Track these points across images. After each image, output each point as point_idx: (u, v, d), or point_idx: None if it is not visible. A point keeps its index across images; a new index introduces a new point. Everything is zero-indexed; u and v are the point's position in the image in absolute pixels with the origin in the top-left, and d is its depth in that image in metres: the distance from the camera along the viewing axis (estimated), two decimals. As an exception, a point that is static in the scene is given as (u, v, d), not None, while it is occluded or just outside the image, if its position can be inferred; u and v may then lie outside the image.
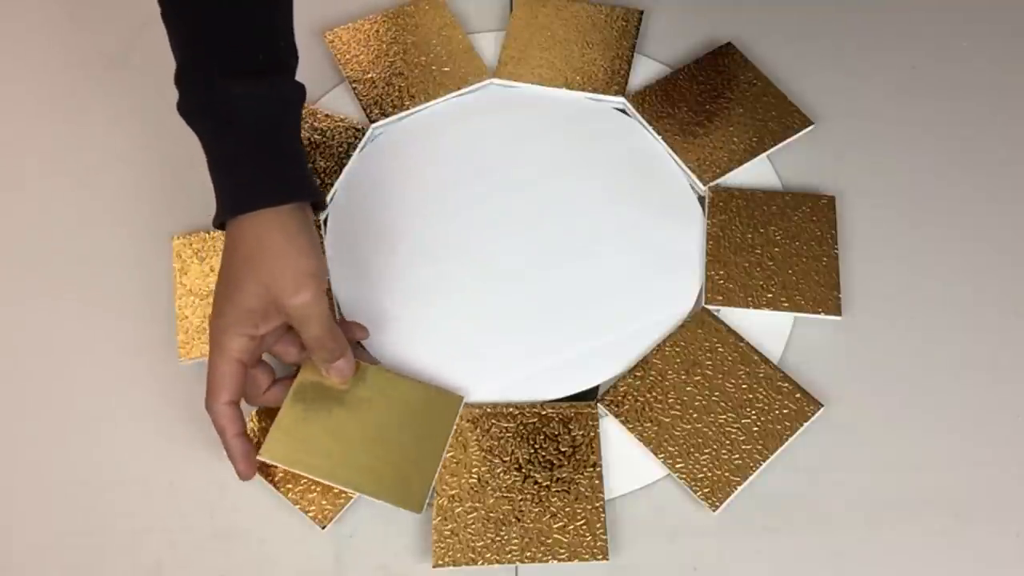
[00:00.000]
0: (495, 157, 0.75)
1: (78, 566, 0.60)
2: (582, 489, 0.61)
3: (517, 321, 0.68)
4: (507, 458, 0.62)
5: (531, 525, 0.60)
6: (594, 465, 0.62)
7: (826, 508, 0.61)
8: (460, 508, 0.60)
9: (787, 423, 0.62)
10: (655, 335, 0.67)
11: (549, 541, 0.59)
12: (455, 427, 0.63)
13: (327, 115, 0.76)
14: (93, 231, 0.73)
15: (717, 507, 0.60)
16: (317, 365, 0.61)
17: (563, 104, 0.78)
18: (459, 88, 0.78)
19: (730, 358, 0.65)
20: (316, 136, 0.75)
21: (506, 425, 0.63)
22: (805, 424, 0.63)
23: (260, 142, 0.60)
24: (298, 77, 0.62)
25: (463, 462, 0.62)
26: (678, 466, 0.61)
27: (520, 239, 0.71)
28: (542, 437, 0.63)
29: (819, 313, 0.67)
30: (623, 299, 0.68)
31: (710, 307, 0.67)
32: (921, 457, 0.62)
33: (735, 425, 0.62)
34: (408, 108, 0.77)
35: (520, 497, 0.61)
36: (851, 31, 0.81)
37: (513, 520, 0.60)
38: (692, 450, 0.62)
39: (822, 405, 0.63)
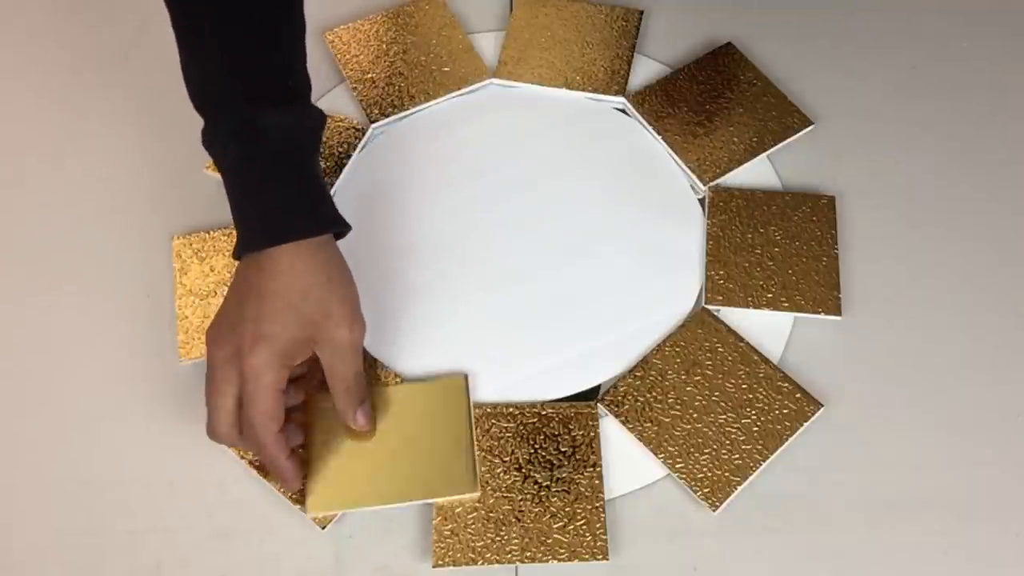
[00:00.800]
0: (495, 157, 0.75)
1: (78, 566, 0.60)
2: (582, 489, 0.61)
3: (517, 321, 0.68)
4: (507, 458, 0.62)
5: (531, 525, 0.60)
6: (594, 465, 0.62)
7: (826, 508, 0.61)
8: (460, 508, 0.60)
9: (787, 423, 0.62)
10: (655, 335, 0.67)
11: (549, 541, 0.59)
12: (471, 401, 0.63)
13: (327, 115, 0.76)
14: (93, 231, 0.73)
15: (717, 507, 0.60)
16: (340, 409, 0.60)
17: (563, 104, 0.78)
18: (459, 88, 0.78)
19: (730, 358, 0.65)
20: (316, 136, 0.75)
21: (506, 425, 0.63)
22: (805, 424, 0.63)
23: (293, 170, 0.59)
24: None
25: (463, 462, 0.62)
26: (678, 466, 0.61)
27: (520, 239, 0.71)
28: (542, 437, 0.63)
29: (819, 313, 0.67)
30: (623, 299, 0.68)
31: (710, 307, 0.67)
32: (921, 457, 0.62)
33: (735, 425, 0.62)
34: (408, 108, 0.77)
35: (520, 497, 0.61)
36: (851, 31, 0.81)
37: (513, 520, 0.60)
38: (692, 450, 0.62)
39: (822, 405, 0.63)
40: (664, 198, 0.73)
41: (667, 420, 0.63)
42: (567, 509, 0.60)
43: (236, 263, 0.68)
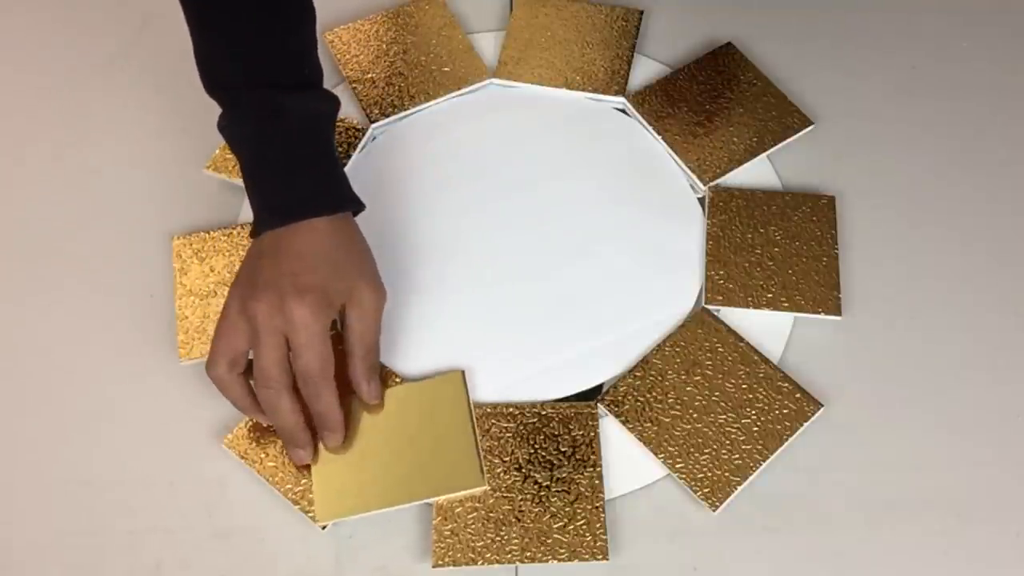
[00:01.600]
0: (495, 157, 0.75)
1: (78, 566, 0.60)
2: (582, 489, 0.61)
3: (517, 321, 0.68)
4: (507, 458, 0.62)
5: (531, 525, 0.60)
6: (594, 465, 0.62)
7: (826, 508, 0.61)
8: (460, 508, 0.60)
9: (787, 423, 0.62)
10: (655, 335, 0.67)
11: (549, 541, 0.59)
12: (469, 397, 0.63)
13: (327, 115, 0.76)
14: (93, 231, 0.73)
15: (717, 507, 0.60)
16: (355, 378, 0.61)
17: (563, 104, 0.78)
18: (459, 88, 0.78)
19: (730, 358, 0.65)
20: (316, 136, 0.75)
21: (506, 425, 0.63)
22: (805, 424, 0.63)
23: (313, 149, 0.61)
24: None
25: (463, 462, 0.62)
26: (678, 466, 0.61)
27: (520, 239, 0.71)
28: (542, 437, 0.63)
29: (819, 313, 0.67)
30: (623, 299, 0.68)
31: (710, 307, 0.67)
32: (921, 457, 0.62)
33: (735, 425, 0.62)
34: (408, 108, 0.77)
35: (520, 497, 0.61)
36: (851, 31, 0.81)
37: (513, 520, 0.60)
38: (692, 450, 0.62)
39: (822, 405, 0.63)
40: (664, 198, 0.73)
41: (667, 420, 0.63)
42: (567, 509, 0.60)
43: (237, 262, 0.69)
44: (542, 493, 0.61)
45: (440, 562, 0.59)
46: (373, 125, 0.76)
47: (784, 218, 0.70)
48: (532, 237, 0.71)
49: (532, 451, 0.62)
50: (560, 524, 0.60)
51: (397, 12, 0.82)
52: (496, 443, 0.63)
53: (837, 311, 0.67)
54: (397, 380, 0.65)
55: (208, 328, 0.67)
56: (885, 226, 0.71)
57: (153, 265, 0.71)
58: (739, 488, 0.61)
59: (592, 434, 0.63)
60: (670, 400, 0.64)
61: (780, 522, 0.60)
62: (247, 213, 0.73)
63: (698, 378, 0.64)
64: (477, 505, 0.60)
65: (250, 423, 0.63)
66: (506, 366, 0.66)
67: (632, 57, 0.79)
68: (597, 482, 0.61)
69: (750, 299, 0.67)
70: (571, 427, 0.63)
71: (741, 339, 0.66)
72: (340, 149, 0.75)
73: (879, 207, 0.72)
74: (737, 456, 0.61)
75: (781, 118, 0.75)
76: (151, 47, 0.81)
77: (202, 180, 0.74)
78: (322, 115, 0.63)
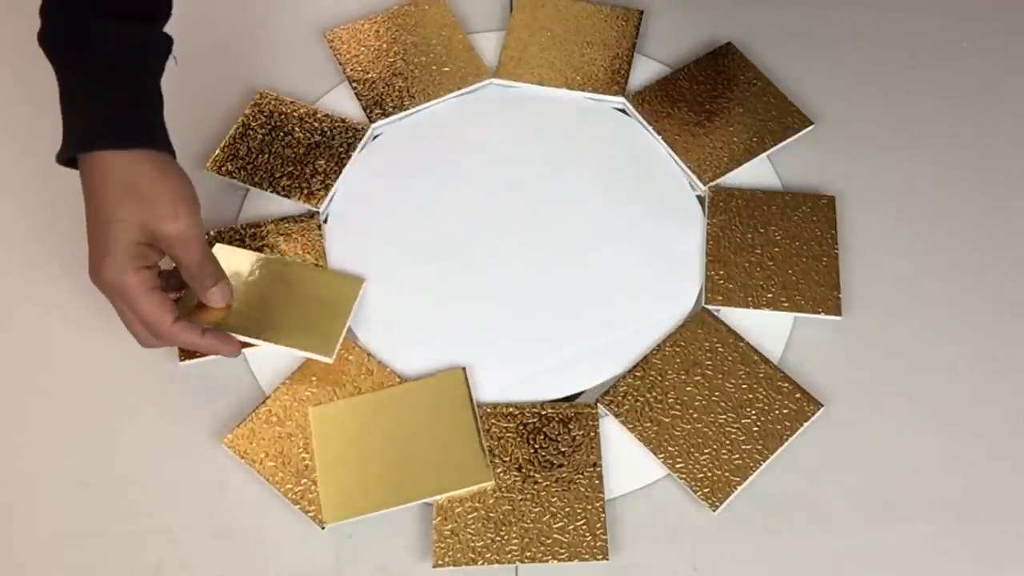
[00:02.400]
0: (495, 157, 0.75)
1: (78, 566, 0.60)
2: (582, 489, 0.61)
3: (517, 321, 0.68)
4: (507, 458, 0.62)
5: (531, 525, 0.60)
6: (594, 465, 0.62)
7: (826, 508, 0.61)
8: (460, 508, 0.60)
9: (787, 423, 0.62)
10: (655, 335, 0.67)
11: (549, 541, 0.59)
12: (471, 395, 0.64)
13: (327, 115, 0.76)
14: (93, 231, 0.73)
15: (717, 507, 0.60)
16: (197, 293, 0.62)
17: (563, 104, 0.78)
18: (459, 88, 0.78)
19: (730, 358, 0.65)
20: (316, 136, 0.75)
21: (506, 425, 0.63)
22: (805, 424, 0.63)
23: (134, 83, 0.60)
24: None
25: (463, 462, 0.62)
26: (678, 466, 0.61)
27: (520, 239, 0.71)
28: (542, 437, 0.63)
29: (819, 313, 0.67)
30: (623, 299, 0.68)
31: (710, 307, 0.67)
32: (921, 457, 0.62)
33: (735, 425, 0.62)
34: (408, 108, 0.77)
35: (520, 497, 0.61)
36: (851, 31, 0.81)
37: (513, 520, 0.60)
38: (692, 450, 0.62)
39: (822, 405, 0.63)
40: (664, 198, 0.73)
41: (667, 420, 0.63)
42: (567, 509, 0.60)
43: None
44: (542, 493, 0.61)
45: (440, 562, 0.59)
46: (373, 125, 0.76)
47: (784, 218, 0.70)
48: (532, 237, 0.71)
49: (532, 451, 0.62)
50: (560, 524, 0.60)
51: (397, 12, 0.82)
52: (496, 443, 0.63)
53: (837, 311, 0.67)
54: (398, 380, 0.65)
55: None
56: (885, 226, 0.71)
57: (153, 265, 0.71)
58: (739, 488, 0.61)
59: (592, 434, 0.63)
60: (670, 400, 0.64)
61: (780, 522, 0.60)
62: (247, 213, 0.73)
63: (698, 378, 0.64)
64: (477, 505, 0.60)
65: (250, 423, 0.63)
66: (506, 366, 0.66)
67: (632, 57, 0.79)
68: (597, 482, 0.61)
69: (750, 299, 0.67)
70: (571, 427, 0.63)
71: (741, 339, 0.66)
72: (340, 149, 0.75)
73: (879, 207, 0.72)
74: (737, 456, 0.61)
75: (781, 118, 0.75)
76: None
77: (202, 180, 0.74)
78: (137, 49, 0.61)
